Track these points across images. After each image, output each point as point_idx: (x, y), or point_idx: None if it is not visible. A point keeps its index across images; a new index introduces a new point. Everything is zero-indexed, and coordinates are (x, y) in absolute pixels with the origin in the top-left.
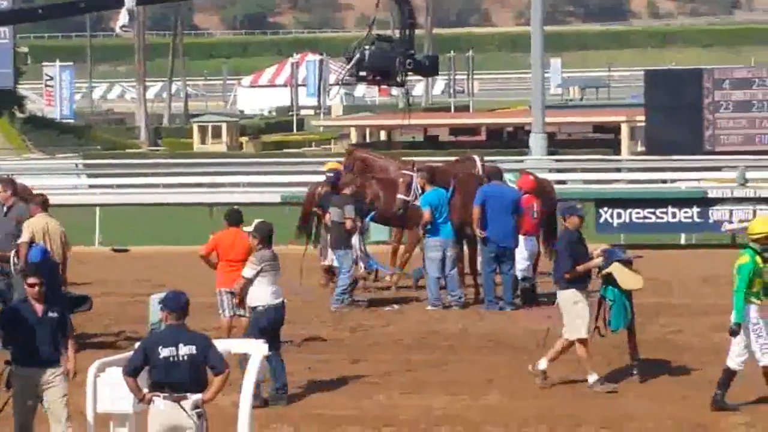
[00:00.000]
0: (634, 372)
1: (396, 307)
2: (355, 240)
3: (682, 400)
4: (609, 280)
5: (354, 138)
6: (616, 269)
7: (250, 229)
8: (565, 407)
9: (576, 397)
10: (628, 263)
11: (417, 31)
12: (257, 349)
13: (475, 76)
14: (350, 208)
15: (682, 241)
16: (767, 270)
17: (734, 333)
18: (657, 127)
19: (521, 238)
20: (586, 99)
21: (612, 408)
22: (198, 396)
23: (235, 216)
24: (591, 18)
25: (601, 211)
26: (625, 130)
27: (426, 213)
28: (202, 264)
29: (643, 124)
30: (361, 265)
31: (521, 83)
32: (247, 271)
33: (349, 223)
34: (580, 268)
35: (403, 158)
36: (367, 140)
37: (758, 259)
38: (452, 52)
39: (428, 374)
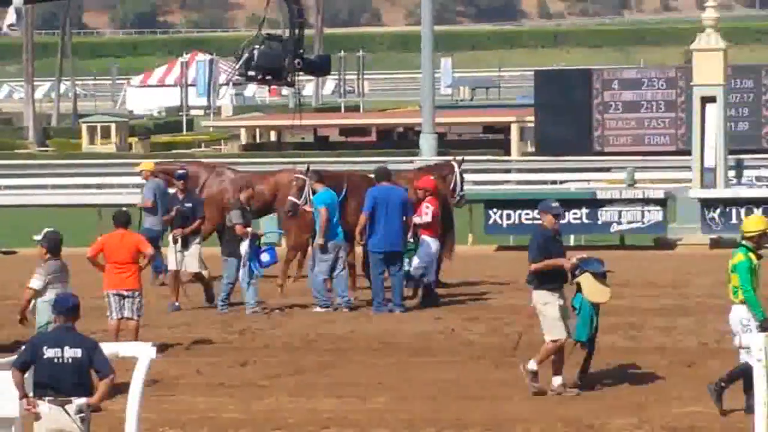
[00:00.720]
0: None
1: (284, 310)
2: (244, 246)
3: (572, 401)
4: (579, 288)
5: (244, 138)
6: (585, 280)
7: (39, 237)
8: (452, 409)
9: (464, 399)
10: (600, 276)
11: (307, 31)
12: (145, 352)
13: (365, 76)
14: (237, 213)
15: (571, 242)
16: (758, 267)
17: (765, 328)
18: (546, 127)
19: (426, 237)
20: (476, 99)
21: (500, 410)
22: (83, 400)
23: (122, 217)
24: (482, 18)
25: (490, 212)
26: (514, 130)
27: (322, 211)
28: (90, 266)
29: (532, 124)
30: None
31: (412, 83)
32: (35, 282)
33: (238, 229)
34: (547, 262)
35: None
36: (257, 141)
37: (752, 256)
38: (342, 51)
39: (316, 377)
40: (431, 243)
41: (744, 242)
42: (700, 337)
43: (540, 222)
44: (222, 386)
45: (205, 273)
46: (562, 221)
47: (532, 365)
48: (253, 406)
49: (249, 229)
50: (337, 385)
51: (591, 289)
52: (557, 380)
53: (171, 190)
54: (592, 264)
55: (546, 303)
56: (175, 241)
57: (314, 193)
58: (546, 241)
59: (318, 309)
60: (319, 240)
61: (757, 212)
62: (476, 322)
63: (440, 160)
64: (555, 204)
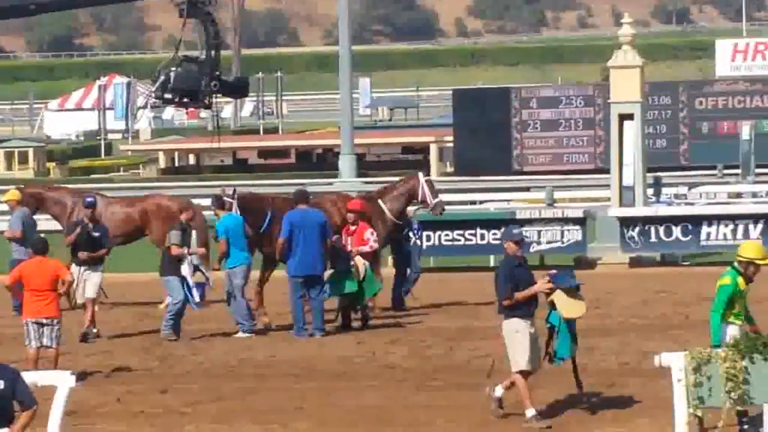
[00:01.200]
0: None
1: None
2: (185, 268)
3: (493, 424)
4: (554, 306)
5: (162, 162)
6: (557, 297)
7: None
8: None
9: (386, 424)
10: (574, 289)
11: (225, 52)
12: (64, 381)
13: (284, 97)
14: (176, 234)
15: (491, 263)
16: (747, 292)
17: None
18: (465, 147)
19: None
20: (395, 119)
21: None
22: (3, 431)
23: (40, 245)
24: (399, 37)
25: (410, 233)
26: (433, 150)
27: (221, 243)
28: (7, 294)
29: (451, 144)
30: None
31: (330, 104)
32: None
33: (174, 250)
34: (519, 295)
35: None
36: (176, 164)
37: (740, 280)
38: (261, 73)
39: (237, 403)
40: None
41: (736, 265)
42: (621, 357)
43: (505, 252)
44: (142, 414)
45: (97, 306)
46: (481, 242)
47: (498, 391)
48: None
49: (184, 250)
50: (258, 411)
51: (565, 305)
52: (498, 390)
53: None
54: (563, 279)
55: (517, 331)
56: (79, 264)
57: (217, 218)
58: (512, 270)
59: (241, 334)
60: (214, 265)
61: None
62: (397, 345)
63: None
64: (516, 231)
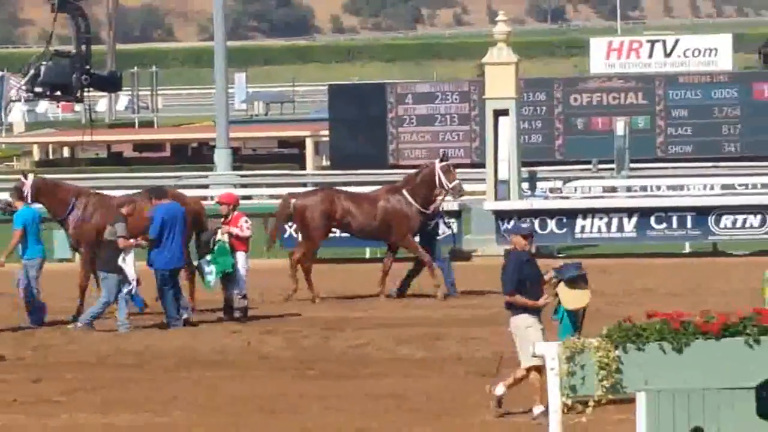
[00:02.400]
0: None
1: (78, 325)
2: (128, 260)
3: (369, 413)
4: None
5: (36, 155)
6: (560, 290)
7: None
8: (249, 423)
9: (261, 412)
10: (579, 279)
11: (99, 47)
12: None
13: (159, 92)
14: (122, 226)
15: (367, 255)
16: None
17: None
18: (341, 141)
19: (242, 253)
20: (270, 114)
21: (298, 423)
22: None
23: None
24: (275, 33)
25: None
26: (309, 144)
27: (15, 234)
28: None
29: (327, 139)
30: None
31: (206, 99)
32: None
33: (121, 242)
34: (519, 300)
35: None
36: (50, 157)
37: None
38: (136, 67)
39: (112, 392)
40: (246, 258)
41: None
42: (496, 347)
43: (513, 246)
44: (16, 402)
45: None
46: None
47: (500, 390)
48: (49, 423)
49: (132, 241)
50: (133, 401)
51: (566, 297)
52: (499, 389)
53: None
54: (567, 271)
55: (528, 326)
56: None
57: (14, 210)
58: (521, 266)
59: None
60: (1, 258)
61: (551, 223)
62: (273, 334)
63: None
64: (525, 225)
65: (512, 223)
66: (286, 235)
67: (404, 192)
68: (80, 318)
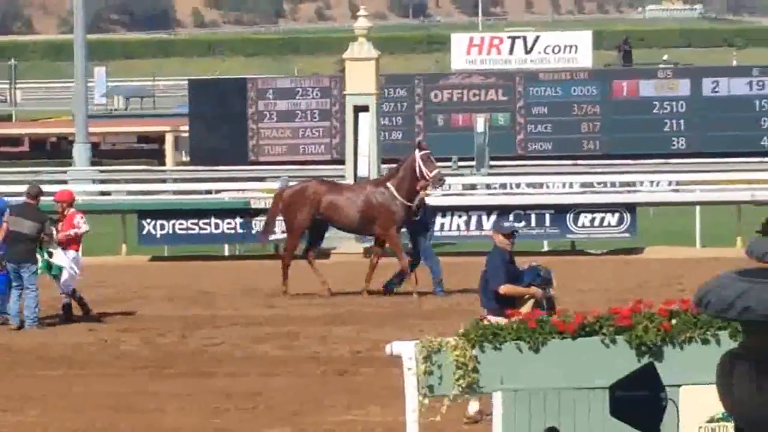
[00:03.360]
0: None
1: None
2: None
3: (225, 412)
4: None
5: None
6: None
7: None
8: (105, 421)
9: (117, 411)
10: (546, 283)
11: None
12: None
13: (17, 85)
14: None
15: (226, 252)
16: None
17: None
18: (201, 137)
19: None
20: (131, 109)
21: (154, 421)
22: None
23: None
24: (136, 26)
25: (143, 222)
26: (169, 140)
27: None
28: None
29: (187, 134)
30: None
31: (65, 92)
32: None
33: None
34: (517, 290)
35: None
36: None
37: None
38: None
39: None
40: (77, 256)
41: None
42: (354, 346)
43: (494, 243)
44: None
45: None
46: (215, 231)
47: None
48: None
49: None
50: None
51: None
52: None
53: None
54: (532, 275)
55: None
56: None
57: None
58: (506, 264)
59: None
60: None
61: (455, 219)
62: (129, 333)
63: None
64: (507, 223)
65: (492, 219)
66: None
67: (388, 185)
68: (33, 322)
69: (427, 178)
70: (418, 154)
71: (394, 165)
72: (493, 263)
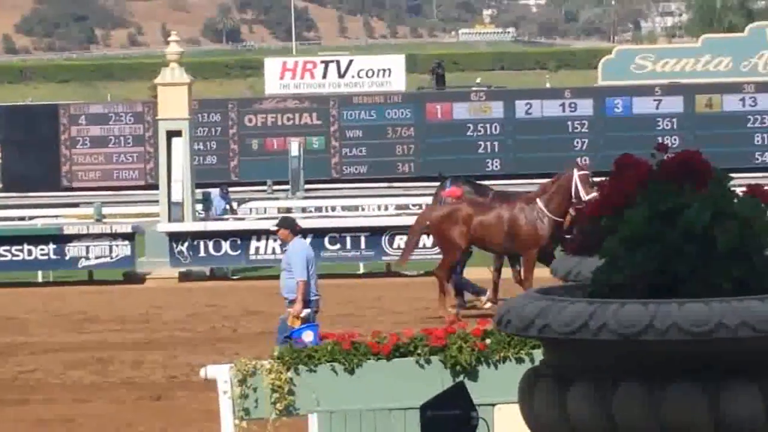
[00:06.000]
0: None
1: None
2: None
3: None
4: None
5: None
6: None
7: None
8: None
9: None
10: None
11: None
12: None
13: None
14: None
15: (39, 279)
16: None
17: None
18: (13, 164)
19: None
20: None
21: None
22: None
23: None
24: None
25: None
26: None
27: None
28: None
29: None
30: None
31: None
32: None
33: None
34: None
35: None
36: None
37: None
38: None
39: None
40: None
41: None
42: (169, 370)
43: None
44: None
45: None
46: (28, 257)
47: None
48: None
49: None
50: None
51: None
52: None
53: None
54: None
55: None
56: None
57: None
58: None
59: None
60: None
61: (226, 244)
62: None
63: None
64: None
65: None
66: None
67: (537, 201)
68: None
69: (584, 200)
70: (576, 173)
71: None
72: None
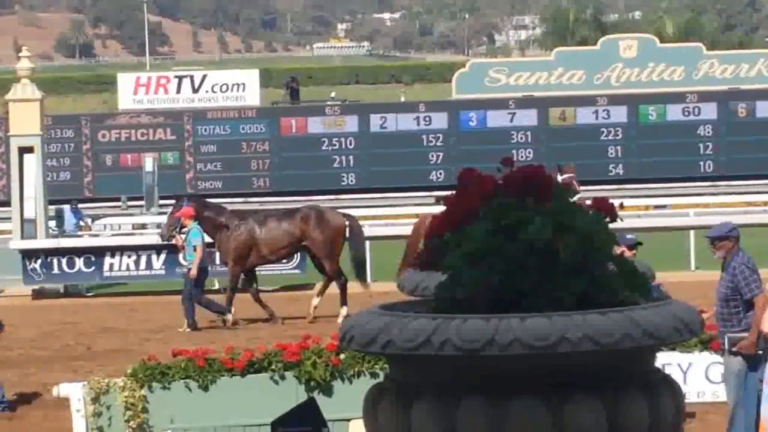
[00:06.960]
0: None
1: None
2: None
3: None
4: None
5: None
6: None
7: None
8: None
9: None
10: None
11: None
12: None
13: None
14: None
15: None
16: None
17: None
18: None
19: None
20: None
21: None
22: None
23: None
24: None
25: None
26: None
27: None
28: None
29: None
30: None
31: None
32: None
33: None
34: None
35: None
36: None
37: None
38: None
39: None
40: None
41: None
42: (21, 389)
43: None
44: None
45: None
46: None
47: None
48: None
49: None
50: None
51: None
52: None
53: None
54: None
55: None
56: None
57: None
58: None
59: None
60: None
61: (80, 261)
62: None
63: None
64: (630, 236)
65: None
66: None
67: None
68: None
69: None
70: (560, 178)
71: None
72: None
